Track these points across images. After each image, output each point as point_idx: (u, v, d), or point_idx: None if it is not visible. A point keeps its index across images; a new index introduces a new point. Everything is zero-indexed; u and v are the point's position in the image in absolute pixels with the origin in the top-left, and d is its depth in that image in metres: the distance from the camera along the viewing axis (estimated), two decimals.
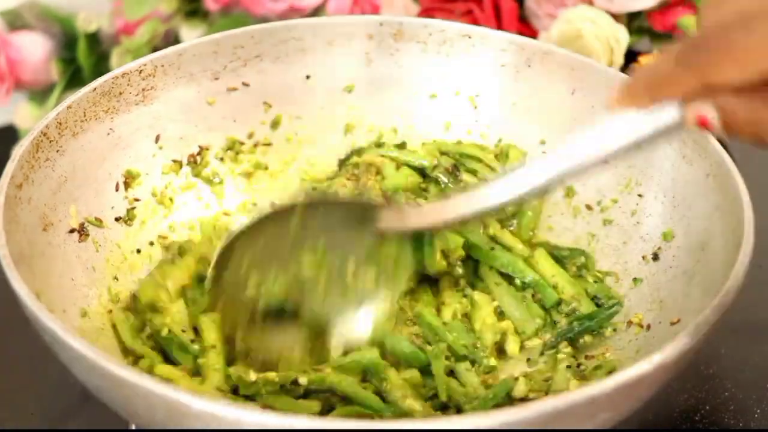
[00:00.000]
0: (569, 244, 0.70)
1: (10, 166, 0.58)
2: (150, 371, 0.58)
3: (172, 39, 0.89)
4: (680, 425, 0.64)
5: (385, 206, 0.62)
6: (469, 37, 0.74)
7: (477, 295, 0.66)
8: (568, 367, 0.61)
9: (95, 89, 0.66)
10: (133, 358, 0.60)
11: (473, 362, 0.61)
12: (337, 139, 0.76)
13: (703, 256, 0.59)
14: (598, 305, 0.65)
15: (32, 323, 0.50)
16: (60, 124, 0.63)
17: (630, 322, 0.62)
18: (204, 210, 0.72)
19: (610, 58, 0.83)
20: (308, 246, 0.61)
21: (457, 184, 0.70)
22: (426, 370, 0.60)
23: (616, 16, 0.85)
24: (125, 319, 0.61)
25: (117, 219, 0.67)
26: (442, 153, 0.73)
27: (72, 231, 0.62)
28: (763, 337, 0.71)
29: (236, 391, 0.58)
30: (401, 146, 0.74)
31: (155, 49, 0.73)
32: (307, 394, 0.58)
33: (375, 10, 0.91)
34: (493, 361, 0.61)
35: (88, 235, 0.64)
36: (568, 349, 0.62)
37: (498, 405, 0.57)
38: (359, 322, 0.62)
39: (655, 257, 0.65)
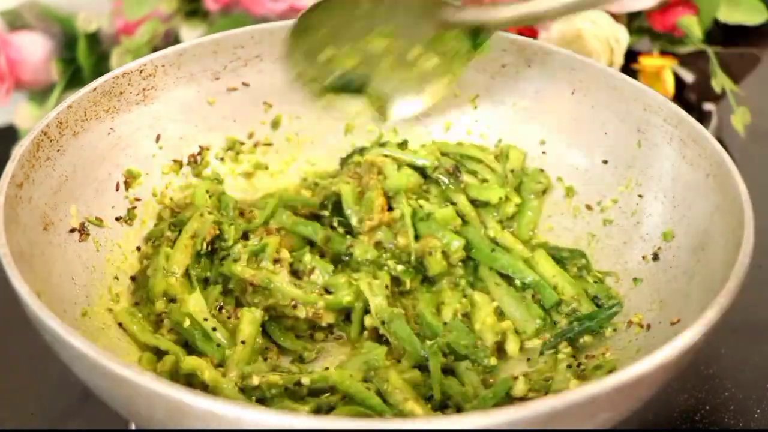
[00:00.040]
0: (569, 244, 0.70)
1: (10, 166, 0.58)
2: (175, 366, 0.58)
3: (172, 39, 0.89)
4: (680, 425, 0.64)
5: (450, 2, 0.68)
6: None
7: (477, 296, 0.66)
8: (568, 367, 0.61)
9: (96, 89, 0.66)
10: (150, 354, 0.60)
11: (473, 362, 0.61)
12: (337, 139, 0.76)
13: (703, 256, 0.59)
14: (598, 305, 0.65)
15: (33, 322, 0.51)
16: (60, 123, 0.63)
17: (630, 322, 0.62)
18: None
19: (610, 58, 0.83)
20: (378, 28, 0.68)
21: (457, 185, 0.70)
22: (426, 368, 0.60)
23: (616, 16, 0.85)
24: (133, 315, 0.62)
25: (117, 219, 0.67)
26: (443, 154, 0.73)
27: (72, 230, 0.62)
28: (763, 337, 0.71)
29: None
30: (403, 145, 0.74)
31: (155, 49, 0.73)
32: (310, 395, 0.58)
33: None
34: (493, 361, 0.61)
35: (88, 234, 0.64)
36: (568, 349, 0.62)
37: (498, 404, 0.57)
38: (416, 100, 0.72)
39: (655, 257, 0.65)
